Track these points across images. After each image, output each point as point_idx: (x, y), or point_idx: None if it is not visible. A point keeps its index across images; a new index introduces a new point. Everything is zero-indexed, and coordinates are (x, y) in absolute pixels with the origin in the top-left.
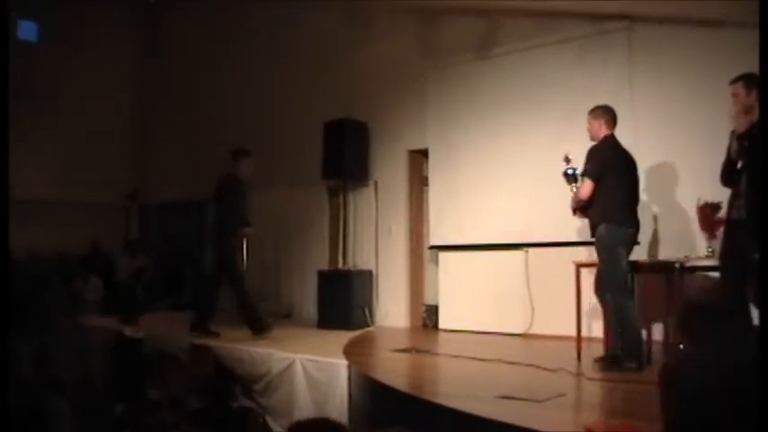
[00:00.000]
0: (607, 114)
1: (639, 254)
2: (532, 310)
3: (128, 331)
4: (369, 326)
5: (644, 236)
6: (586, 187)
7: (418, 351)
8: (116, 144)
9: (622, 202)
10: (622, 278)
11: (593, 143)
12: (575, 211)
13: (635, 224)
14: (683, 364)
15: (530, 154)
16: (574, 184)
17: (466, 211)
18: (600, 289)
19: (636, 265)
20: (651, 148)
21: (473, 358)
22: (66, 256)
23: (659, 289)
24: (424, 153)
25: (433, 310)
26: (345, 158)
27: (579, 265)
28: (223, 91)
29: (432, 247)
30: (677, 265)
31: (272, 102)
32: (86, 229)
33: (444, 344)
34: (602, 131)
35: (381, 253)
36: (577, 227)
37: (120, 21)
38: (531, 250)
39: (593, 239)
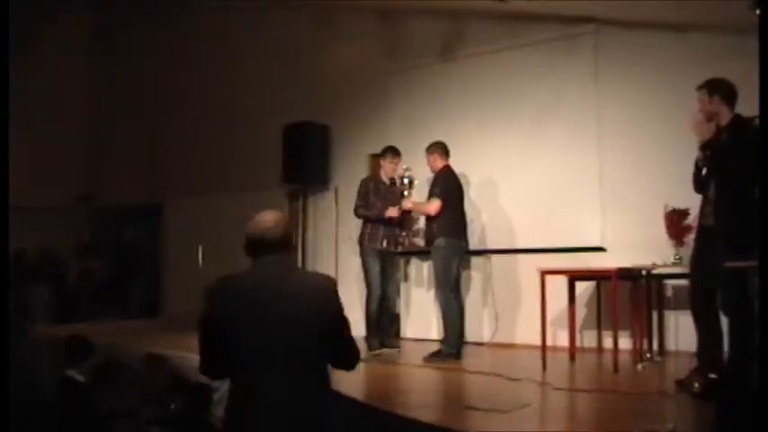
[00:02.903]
0: (440, 148)
1: (605, 261)
2: (496, 317)
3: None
4: None
5: (608, 242)
6: (435, 205)
7: (379, 361)
8: (69, 146)
9: (458, 221)
10: (452, 281)
11: (434, 173)
12: (401, 214)
13: (466, 239)
14: None
15: (494, 158)
16: (407, 191)
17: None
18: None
19: (602, 273)
20: (617, 153)
21: (436, 368)
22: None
23: (625, 297)
24: None
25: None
26: (305, 162)
27: (544, 272)
28: (182, 92)
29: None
30: (644, 273)
31: (231, 103)
32: (35, 234)
33: (407, 353)
34: (439, 163)
35: (342, 261)
36: (542, 233)
37: (74, 18)
38: (495, 257)
39: (557, 246)
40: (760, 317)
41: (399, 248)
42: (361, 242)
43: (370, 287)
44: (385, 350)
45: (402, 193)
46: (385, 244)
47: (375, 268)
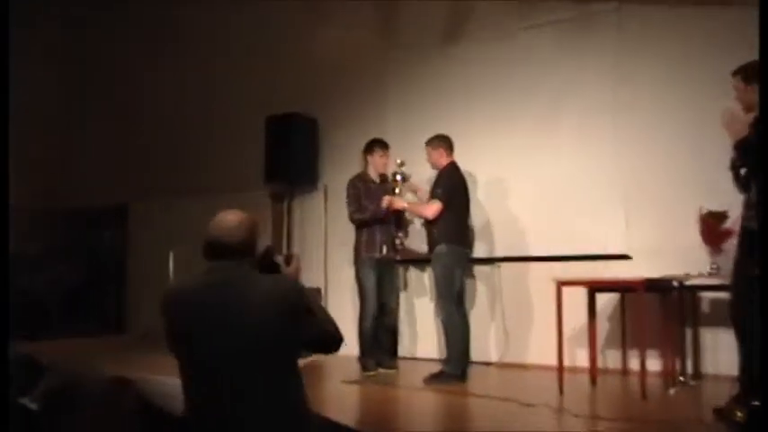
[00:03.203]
0: (445, 143)
1: (631, 270)
2: (506, 334)
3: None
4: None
5: (634, 248)
6: (433, 208)
7: (376, 383)
8: (29, 141)
9: (462, 225)
10: (454, 292)
11: (437, 170)
12: (395, 212)
13: (469, 245)
14: None
15: (503, 155)
16: (398, 188)
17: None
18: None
19: (627, 284)
20: (642, 147)
21: (438, 390)
22: None
23: (654, 311)
24: None
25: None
26: (291, 159)
27: (561, 283)
28: (153, 82)
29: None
30: (675, 284)
31: (209, 95)
32: None
33: (405, 374)
34: (443, 159)
35: (331, 268)
36: (557, 238)
37: (43, 15)
38: (504, 265)
39: (575, 253)
40: (761, 319)
41: (398, 256)
42: (357, 250)
43: (365, 302)
44: (381, 371)
45: (393, 190)
46: (384, 250)
47: (370, 281)
